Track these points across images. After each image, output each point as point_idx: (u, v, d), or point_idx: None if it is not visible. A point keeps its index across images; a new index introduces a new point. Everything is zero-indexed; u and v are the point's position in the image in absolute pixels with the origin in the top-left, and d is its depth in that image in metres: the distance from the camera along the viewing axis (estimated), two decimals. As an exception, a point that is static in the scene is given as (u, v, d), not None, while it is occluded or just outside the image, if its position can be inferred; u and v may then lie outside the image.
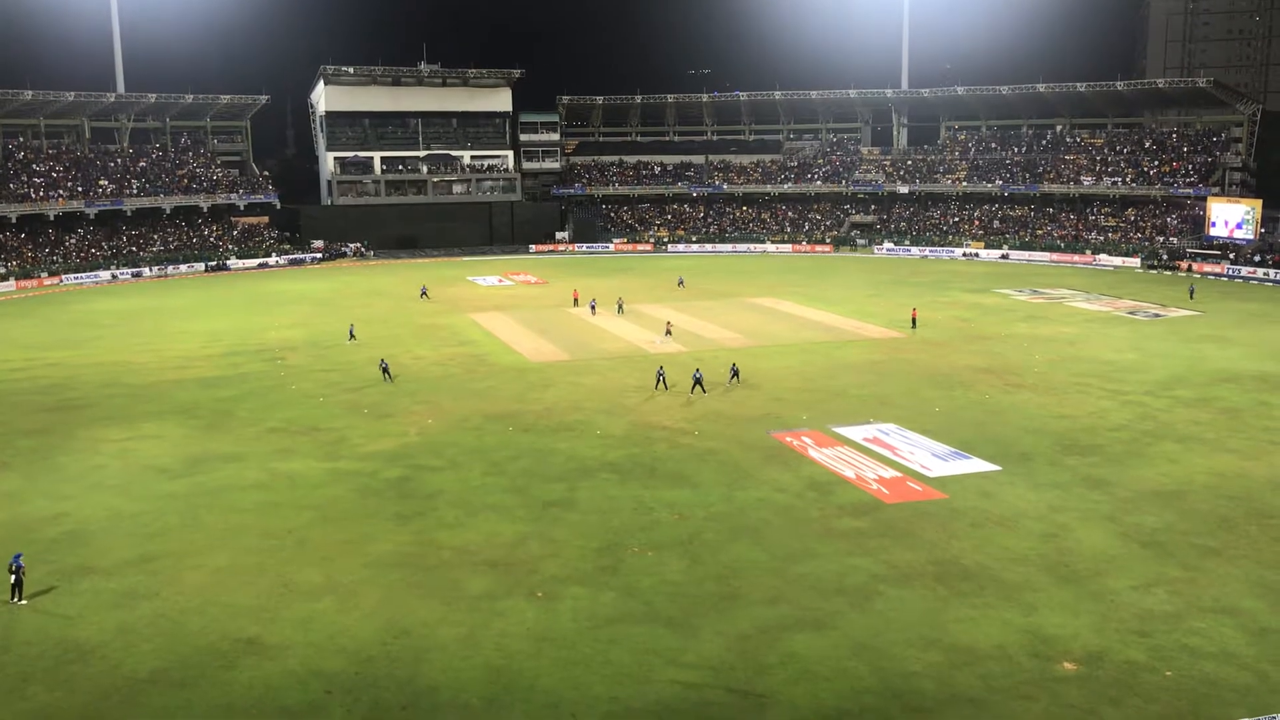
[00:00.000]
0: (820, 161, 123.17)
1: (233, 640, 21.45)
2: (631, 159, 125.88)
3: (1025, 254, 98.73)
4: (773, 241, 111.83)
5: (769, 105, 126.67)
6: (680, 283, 79.46)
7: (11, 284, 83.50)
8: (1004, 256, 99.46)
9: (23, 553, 24.67)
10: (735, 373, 45.62)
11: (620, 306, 62.93)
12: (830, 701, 18.68)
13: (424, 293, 74.05)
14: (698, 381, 43.96)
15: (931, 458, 34.15)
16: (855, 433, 37.31)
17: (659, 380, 44.73)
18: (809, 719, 18.18)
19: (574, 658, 20.55)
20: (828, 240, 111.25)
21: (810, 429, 37.87)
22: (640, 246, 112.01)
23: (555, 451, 35.44)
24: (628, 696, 19.00)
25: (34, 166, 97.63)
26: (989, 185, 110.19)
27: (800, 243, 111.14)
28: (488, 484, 32.02)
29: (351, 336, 57.39)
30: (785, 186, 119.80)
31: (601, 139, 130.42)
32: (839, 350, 53.45)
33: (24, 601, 23.49)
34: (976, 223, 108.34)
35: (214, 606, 23.20)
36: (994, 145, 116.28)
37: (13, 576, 23.63)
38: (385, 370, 47.36)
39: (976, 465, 33.29)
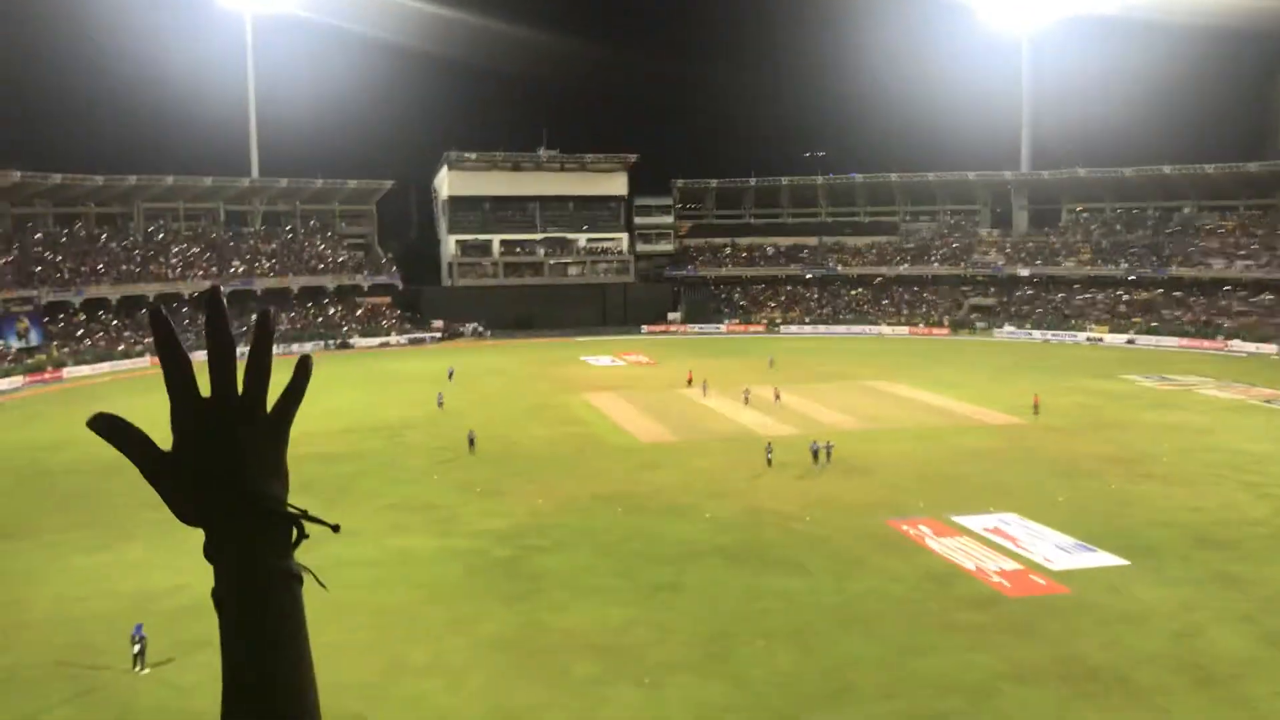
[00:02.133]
0: (937, 243, 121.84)
1: (340, 717, 21.50)
2: (744, 240, 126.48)
3: (1152, 339, 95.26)
4: (888, 324, 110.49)
5: (885, 187, 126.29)
6: (770, 363, 78.66)
7: (146, 359, 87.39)
8: (1130, 341, 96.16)
9: (143, 623, 25.30)
10: (826, 451, 45.64)
11: (746, 397, 61.37)
12: (949, 808, 17.75)
13: (450, 375, 73.59)
14: (821, 451, 45.26)
15: (1055, 550, 32.77)
16: (975, 522, 36.09)
17: (768, 458, 45.24)
18: (926, 826, 17.29)
19: (680, 749, 20.02)
20: (945, 323, 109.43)
21: (927, 517, 36.78)
22: (753, 328, 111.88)
23: (664, 534, 35.10)
24: (735, 793, 18.39)
25: (172, 248, 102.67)
26: (1113, 268, 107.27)
27: (916, 325, 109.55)
28: (596, 566, 31.82)
29: (440, 405, 60.32)
30: (901, 268, 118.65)
31: (715, 221, 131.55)
32: (957, 436, 52.07)
33: (146, 671, 24.03)
34: (1100, 306, 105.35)
35: (322, 683, 23.21)
36: (1119, 227, 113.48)
37: (135, 646, 24.23)
38: (471, 442, 48.67)
39: (1103, 559, 31.80)
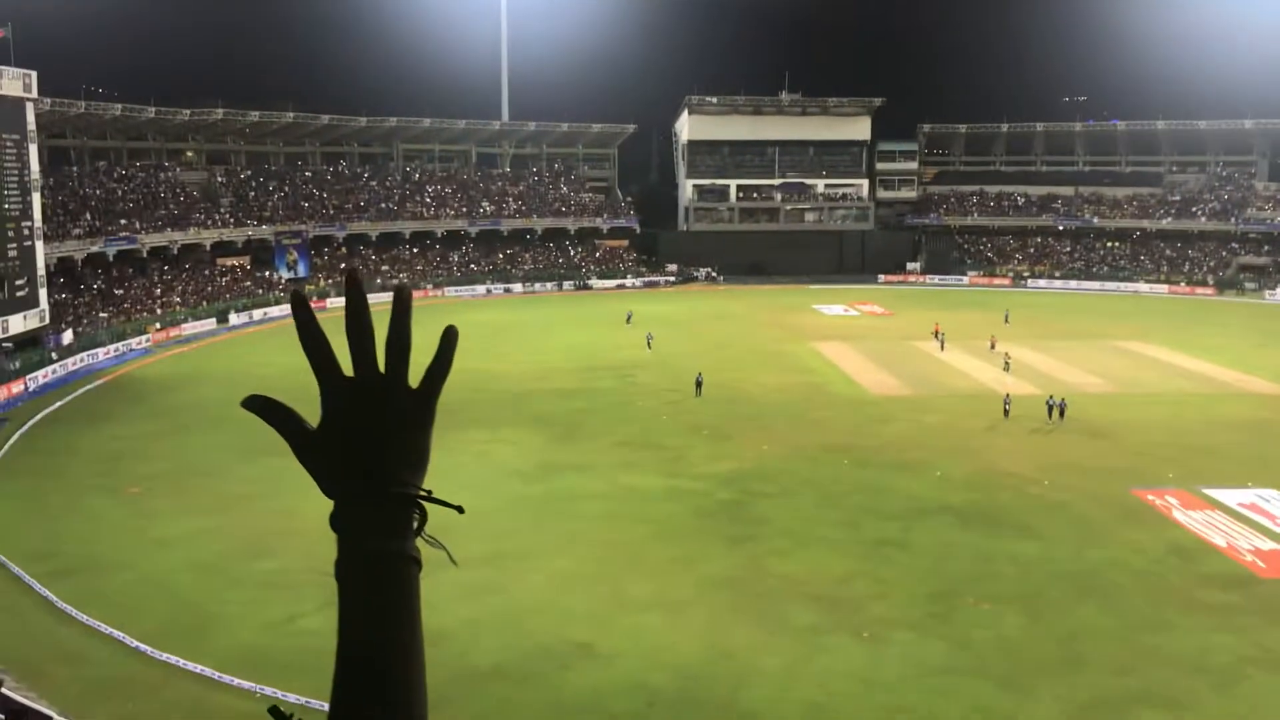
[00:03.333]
0: (1206, 196, 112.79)
1: (567, 643, 22.53)
2: (993, 189, 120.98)
3: None
4: (1146, 281, 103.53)
5: (1149, 136, 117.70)
6: (1006, 318, 74.75)
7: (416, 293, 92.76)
8: None
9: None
10: (1059, 408, 43.89)
11: (1007, 363, 55.90)
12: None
13: (629, 318, 73.74)
14: (1055, 408, 43.91)
15: (1323, 532, 30.22)
16: (1230, 496, 33.67)
17: (1005, 410, 44.55)
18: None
19: (898, 704, 19.90)
20: (1210, 282, 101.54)
21: (1177, 488, 34.60)
22: (997, 280, 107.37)
23: (891, 489, 34.57)
24: (952, 754, 18.15)
25: (427, 188, 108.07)
26: None
27: (1178, 284, 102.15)
28: (819, 516, 31.75)
29: (649, 346, 62.11)
30: (1164, 222, 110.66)
31: (962, 168, 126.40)
32: (1216, 404, 48.47)
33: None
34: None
35: (553, 609, 24.50)
36: None
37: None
38: (699, 385, 49.32)
39: (1379, 546, 29.10)
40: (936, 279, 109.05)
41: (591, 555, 28.13)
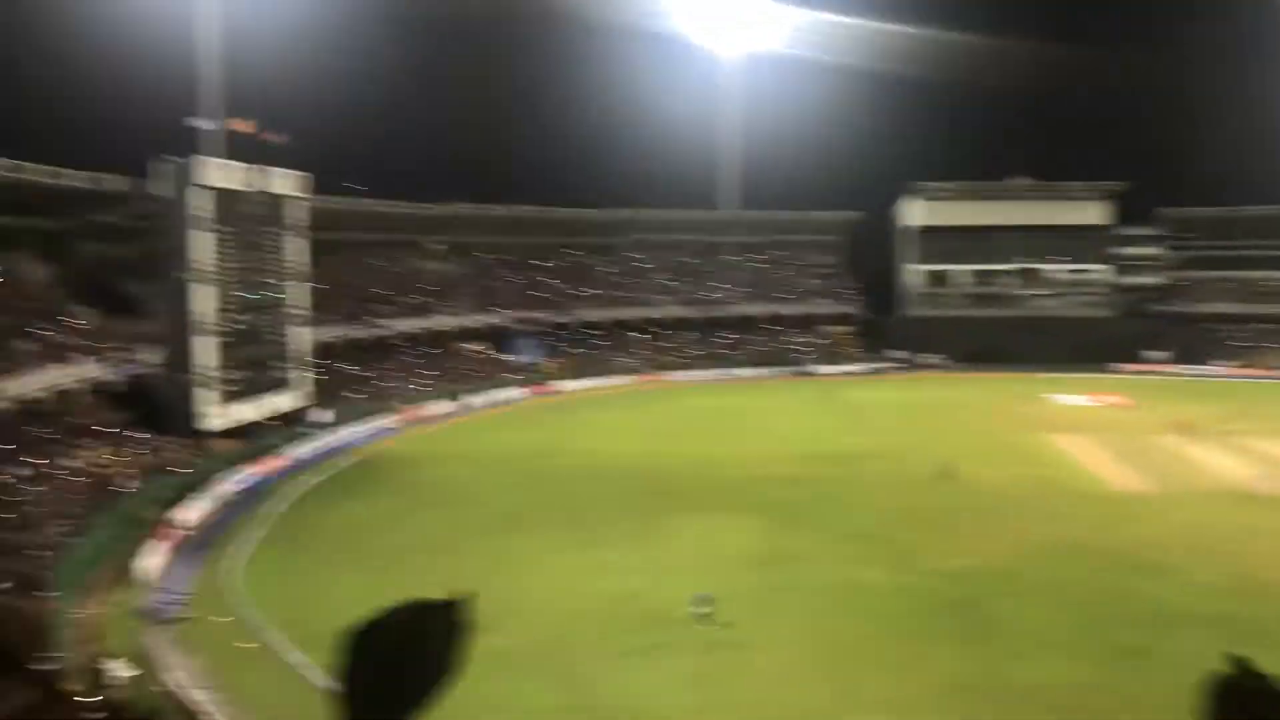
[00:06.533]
0: None
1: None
2: (1241, 274, 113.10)
3: None
4: None
5: None
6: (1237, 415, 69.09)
7: (630, 379, 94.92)
8: None
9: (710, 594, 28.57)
10: None
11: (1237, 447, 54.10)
12: None
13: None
14: None
15: None
16: None
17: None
18: None
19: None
20: None
21: None
22: (1254, 371, 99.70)
23: (1136, 593, 32.44)
24: None
25: (655, 276, 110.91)
26: None
27: None
28: (1057, 619, 30.13)
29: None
30: None
31: (1208, 252, 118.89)
32: None
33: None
34: None
35: (777, 703, 24.21)
36: None
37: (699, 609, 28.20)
38: (947, 475, 47.53)
39: None
40: (1184, 369, 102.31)
41: (816, 649, 27.64)
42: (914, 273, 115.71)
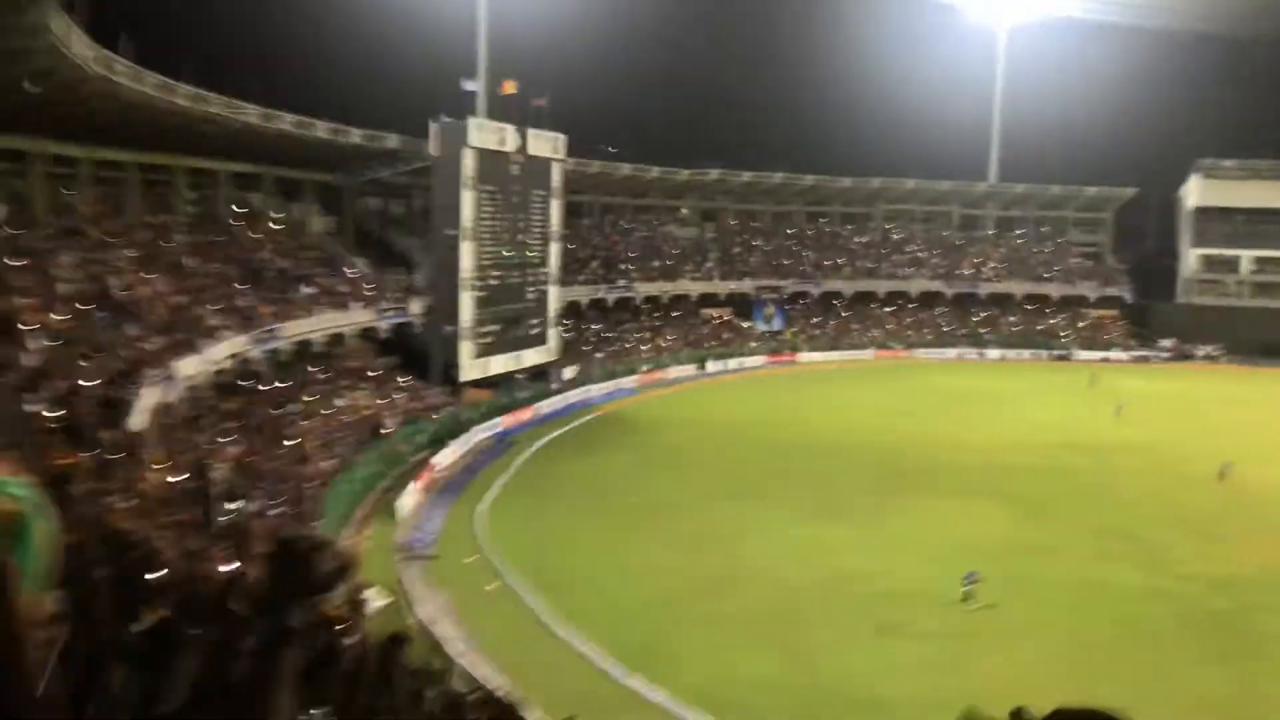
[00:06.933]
0: None
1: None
2: None
3: None
4: None
5: None
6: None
7: (872, 353, 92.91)
8: None
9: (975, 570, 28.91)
10: None
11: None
12: None
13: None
14: None
15: None
16: None
17: None
18: None
19: None
20: None
21: None
22: None
23: None
24: None
25: (905, 248, 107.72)
26: None
27: None
28: (1335, 642, 27.31)
29: (1117, 414, 59.58)
30: None
31: None
32: None
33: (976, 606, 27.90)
34: None
35: (1001, 703, 23.04)
36: None
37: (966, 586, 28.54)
38: (1221, 476, 44.58)
39: None
40: None
41: (1055, 649, 26.22)
42: (1192, 256, 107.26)
